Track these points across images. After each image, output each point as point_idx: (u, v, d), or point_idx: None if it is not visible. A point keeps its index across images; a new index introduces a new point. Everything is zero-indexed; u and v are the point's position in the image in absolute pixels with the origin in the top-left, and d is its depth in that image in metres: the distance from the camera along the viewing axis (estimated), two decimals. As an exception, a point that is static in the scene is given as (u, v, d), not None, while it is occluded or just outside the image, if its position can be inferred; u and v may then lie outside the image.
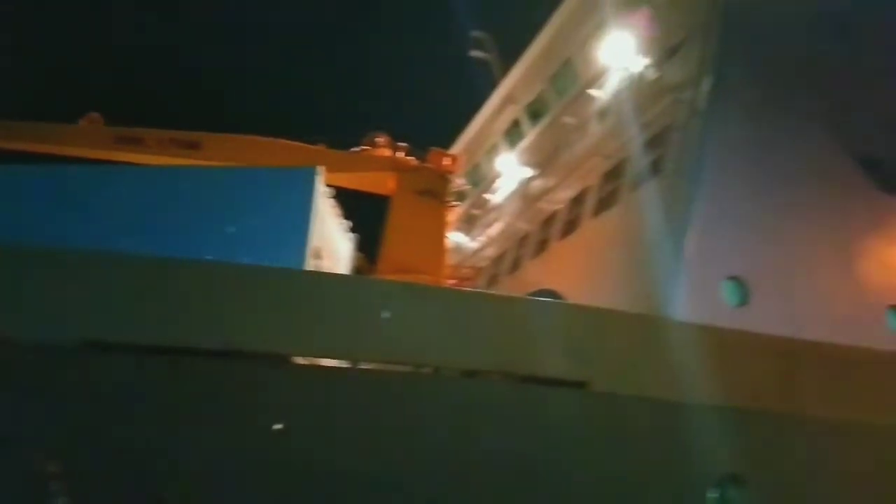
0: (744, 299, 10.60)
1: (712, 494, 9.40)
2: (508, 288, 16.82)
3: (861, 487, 10.00)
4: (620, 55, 15.07)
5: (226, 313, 8.19)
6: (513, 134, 21.02)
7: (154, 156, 14.14)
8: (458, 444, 8.63)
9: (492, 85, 22.17)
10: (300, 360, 8.82)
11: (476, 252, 21.44)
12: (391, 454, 8.40)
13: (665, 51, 14.31)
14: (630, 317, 10.08)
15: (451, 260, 17.14)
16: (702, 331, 9.96)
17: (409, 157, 15.46)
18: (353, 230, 13.33)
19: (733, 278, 10.69)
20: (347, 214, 13.04)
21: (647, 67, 14.50)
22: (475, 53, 23.35)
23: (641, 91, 14.21)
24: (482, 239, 21.49)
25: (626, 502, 9.12)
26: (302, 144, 14.75)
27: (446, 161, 15.36)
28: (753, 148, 11.93)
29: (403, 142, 15.75)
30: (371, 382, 8.85)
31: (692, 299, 10.37)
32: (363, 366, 8.97)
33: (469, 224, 22.67)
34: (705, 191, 11.15)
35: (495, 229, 20.69)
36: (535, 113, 19.84)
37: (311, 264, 10.04)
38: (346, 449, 8.27)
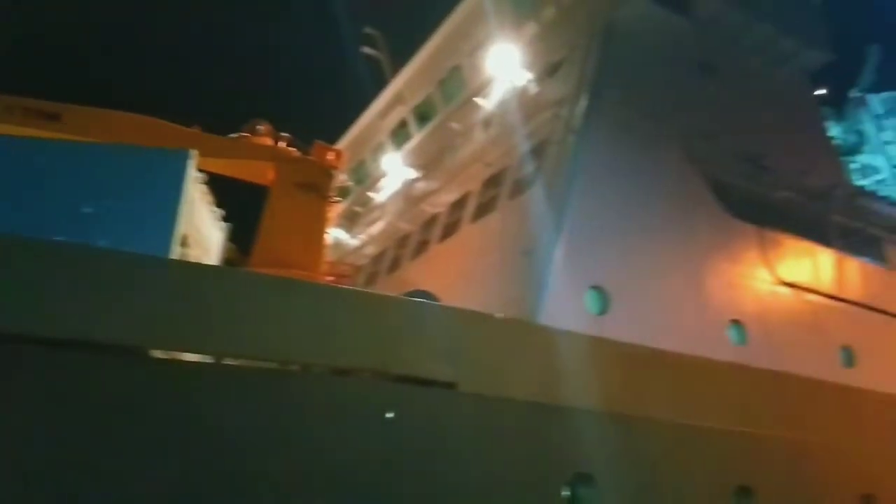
0: (604, 308, 11.25)
1: (565, 493, 9.87)
2: (387, 287, 16.83)
3: (698, 485, 10.90)
4: (505, 67, 15.56)
5: (73, 300, 7.50)
6: (399, 134, 21.10)
7: (6, 125, 12.79)
8: (325, 443, 8.49)
9: (382, 83, 22.13)
10: (158, 354, 8.30)
11: (356, 250, 21.28)
12: (255, 453, 8.10)
13: (547, 67, 14.97)
14: (500, 320, 10.39)
15: (329, 256, 16.89)
16: (565, 336, 10.48)
17: (290, 149, 15.02)
18: (226, 219, 12.76)
19: (596, 287, 11.33)
20: (222, 203, 12.48)
21: (529, 82, 15.08)
22: (366, 50, 23.19)
23: (523, 104, 14.74)
24: (363, 237, 21.36)
25: (488, 501, 9.36)
26: (175, 125, 13.89)
27: (330, 155, 15.05)
28: (620, 167, 12.76)
29: (288, 133, 15.29)
30: (235, 379, 8.49)
31: (558, 306, 10.86)
32: (227, 361, 8.60)
33: (350, 221, 22.46)
34: (575, 204, 11.74)
35: (377, 228, 20.65)
36: (422, 115, 20.03)
37: (176, 252, 9.49)
38: (206, 447, 7.86)
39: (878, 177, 21.45)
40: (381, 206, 21.12)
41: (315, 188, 14.50)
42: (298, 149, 15.25)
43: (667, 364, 11.21)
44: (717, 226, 13.31)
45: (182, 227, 9.64)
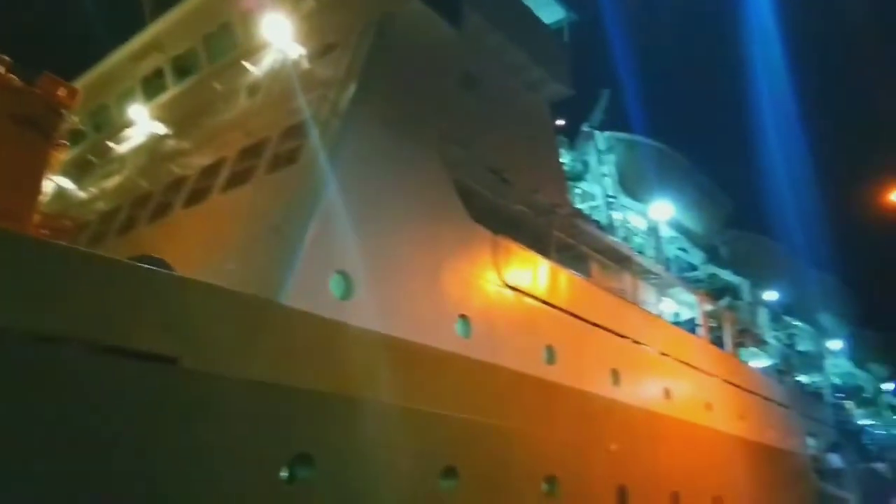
0: (347, 293, 11.49)
1: (283, 473, 9.89)
2: (115, 250, 15.16)
3: (411, 465, 11.66)
4: (279, 37, 15.02)
5: None
6: (153, 84, 19.11)
7: None
8: (21, 416, 7.45)
9: (141, 23, 19.81)
10: None
11: (83, 203, 18.81)
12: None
13: (321, 47, 14.80)
14: (235, 296, 10.04)
15: (47, 207, 14.71)
16: (302, 317, 10.50)
17: (10, 76, 12.74)
18: None
19: (342, 273, 11.52)
20: None
21: (302, 57, 14.76)
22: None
23: (293, 78, 14.38)
24: (94, 190, 18.98)
25: (204, 480, 8.98)
26: None
27: (61, 92, 13.06)
28: (378, 158, 13.15)
29: (11, 59, 12.92)
30: None
31: (303, 287, 10.83)
32: None
33: (81, 171, 19.80)
34: (331, 187, 11.81)
35: (112, 182, 18.50)
36: (182, 68, 18.41)
37: None
38: None
39: (594, 203, 25.01)
40: (121, 158, 18.98)
41: (36, 125, 12.48)
42: (22, 78, 13.01)
43: (396, 350, 11.83)
44: (458, 228, 14.39)
45: None
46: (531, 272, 16.13)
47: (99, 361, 8.26)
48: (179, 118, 17.68)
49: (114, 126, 20.05)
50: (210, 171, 15.34)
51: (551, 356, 15.71)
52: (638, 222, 27.35)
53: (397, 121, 13.78)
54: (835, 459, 30.72)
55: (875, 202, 20.53)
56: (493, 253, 15.01)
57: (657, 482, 18.04)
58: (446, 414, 12.43)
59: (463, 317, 13.74)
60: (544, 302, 16.14)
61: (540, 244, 17.18)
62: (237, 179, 14.14)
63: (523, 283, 15.64)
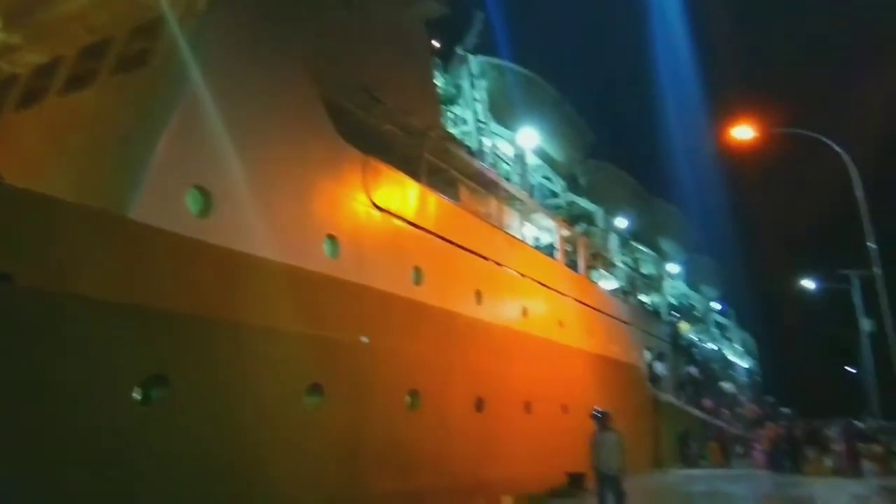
0: (206, 210, 10.94)
1: (137, 395, 9.55)
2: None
3: (276, 384, 11.66)
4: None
5: None
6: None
7: None
8: None
9: None
10: None
11: None
12: None
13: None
14: (80, 209, 9.26)
15: None
16: (155, 234, 9.92)
17: None
18: None
19: (199, 188, 10.91)
20: None
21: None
22: None
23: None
24: None
25: (47, 406, 8.45)
26: None
27: None
28: (241, 67, 12.33)
29: None
30: None
31: (155, 201, 10.16)
32: None
33: None
34: (187, 94, 10.98)
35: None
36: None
37: None
38: None
39: (465, 128, 25.25)
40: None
41: None
42: None
43: (258, 270, 11.55)
44: (326, 146, 14.00)
45: None
46: (401, 194, 16.18)
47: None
48: (8, 8, 15.40)
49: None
50: (45, 71, 13.72)
51: (418, 277, 16.07)
52: (506, 149, 28.07)
53: (263, 29, 12.92)
54: (658, 367, 34.58)
55: (716, 140, 22.31)
56: (362, 173, 14.83)
57: (512, 393, 19.39)
58: (311, 333, 12.45)
59: (331, 237, 13.60)
60: (413, 224, 16.32)
61: (410, 167, 17.19)
62: (78, 81, 12.76)
63: (393, 205, 15.67)
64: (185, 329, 10.07)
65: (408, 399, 15.09)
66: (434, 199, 17.66)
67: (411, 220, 16.27)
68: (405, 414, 14.95)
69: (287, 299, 12.16)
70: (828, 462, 26.55)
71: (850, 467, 25.45)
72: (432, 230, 16.99)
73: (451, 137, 21.35)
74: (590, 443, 12.73)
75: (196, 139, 10.96)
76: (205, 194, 10.95)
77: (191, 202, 10.76)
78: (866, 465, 26.89)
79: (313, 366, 12.45)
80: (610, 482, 12.38)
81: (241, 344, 11.02)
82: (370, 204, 14.89)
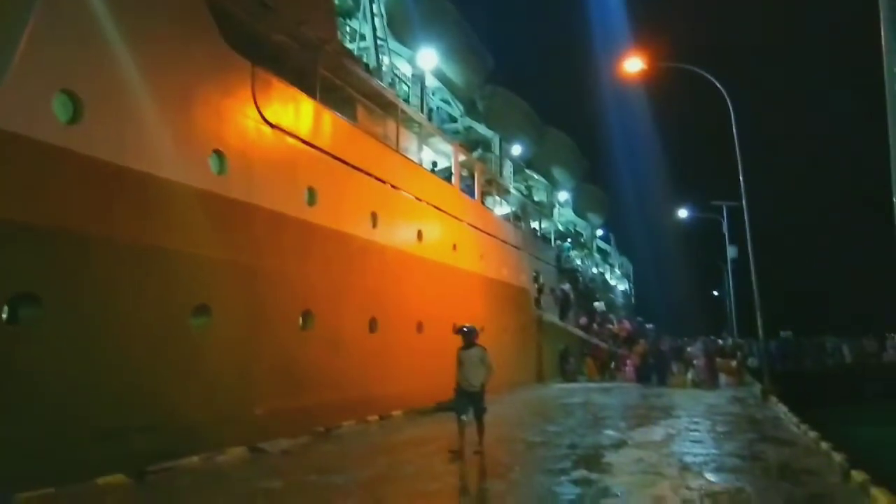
0: (75, 117, 9.99)
1: (4, 314, 8.89)
2: None
3: (159, 304, 11.20)
4: None
5: None
6: None
7: None
8: None
9: None
10: None
11: None
12: None
13: None
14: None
15: None
16: (20, 142, 9.00)
17: None
18: None
19: (67, 92, 9.90)
20: None
21: None
22: None
23: None
24: None
25: None
26: None
27: None
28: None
29: None
30: None
31: (15, 106, 9.14)
32: None
33: None
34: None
35: None
36: None
37: None
38: None
39: (363, 44, 24.29)
40: None
41: None
42: None
43: (137, 183, 10.83)
44: (211, 53, 13.02)
45: None
46: (293, 110, 15.48)
47: None
48: None
49: None
50: None
51: (312, 198, 15.70)
52: (405, 69, 27.41)
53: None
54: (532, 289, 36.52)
55: (614, 74, 22.86)
56: (252, 86, 14.00)
57: (405, 314, 19.78)
58: (197, 252, 11.96)
59: (217, 152, 12.89)
60: (307, 143, 15.77)
61: (304, 82, 16.43)
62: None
63: (285, 122, 15.01)
64: (53, 244, 9.36)
65: (300, 321, 15.03)
66: (329, 118, 17.08)
67: (305, 139, 15.70)
68: (298, 334, 14.92)
69: (168, 216, 11.54)
70: (690, 375, 29.37)
71: (708, 380, 28.35)
72: (327, 150, 16.51)
73: (348, 53, 20.52)
74: (456, 360, 12.20)
75: (62, 37, 9.84)
76: (74, 99, 9.95)
77: (58, 108, 9.77)
78: (723, 377, 30.07)
79: (199, 287, 12.04)
80: (470, 398, 11.93)
81: (118, 262, 10.42)
82: (260, 119, 14.18)
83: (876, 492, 8.09)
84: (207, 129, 12.77)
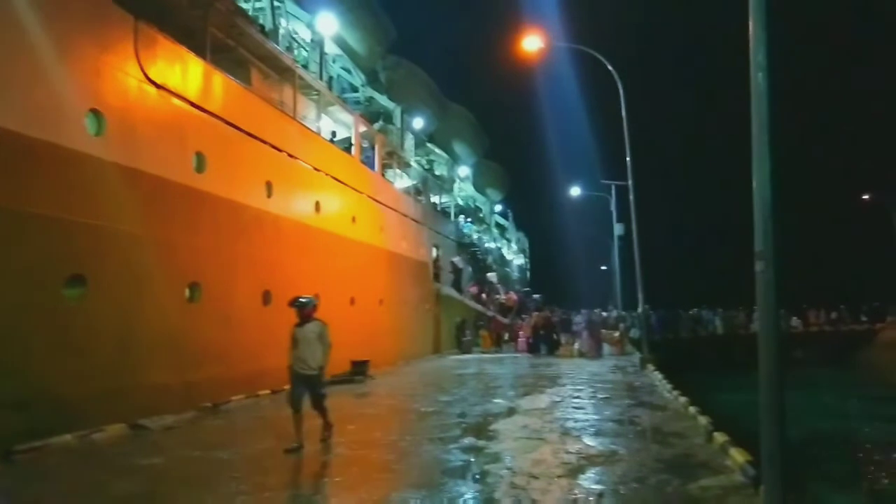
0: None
1: None
2: None
3: (27, 273, 10.40)
4: None
5: None
6: None
7: None
8: None
9: None
10: None
11: None
12: None
13: None
14: None
15: None
16: None
17: None
18: None
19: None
20: None
21: None
22: None
23: None
24: None
25: None
26: None
27: None
28: None
29: None
30: None
31: None
32: None
33: None
34: None
35: None
36: None
37: None
38: None
39: (259, 4, 23.21)
40: None
41: None
42: None
43: (2, 144, 9.93)
44: (89, 5, 12.05)
45: None
46: (181, 70, 14.62)
47: None
48: None
49: None
50: None
51: (200, 164, 14.99)
52: (304, 34, 26.53)
53: None
54: (458, 262, 37.15)
55: (510, 50, 23.15)
56: (134, 41, 13.08)
57: (301, 286, 19.39)
58: (69, 218, 11.16)
59: (94, 111, 12.01)
60: (195, 105, 14.98)
61: (193, 41, 15.55)
62: None
63: (171, 82, 14.16)
64: None
65: (187, 292, 14.43)
66: (221, 80, 16.29)
67: (193, 101, 14.91)
68: (184, 306, 14.33)
69: (38, 180, 10.68)
70: (576, 346, 30.83)
71: (592, 349, 29.87)
72: (218, 114, 15.77)
73: (242, 13, 19.57)
74: (290, 338, 10.13)
75: None
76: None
77: None
78: (607, 347, 31.77)
79: (72, 255, 11.27)
80: (306, 382, 9.94)
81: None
82: (144, 78, 13.31)
83: (734, 451, 8.86)
84: (83, 85, 11.83)
